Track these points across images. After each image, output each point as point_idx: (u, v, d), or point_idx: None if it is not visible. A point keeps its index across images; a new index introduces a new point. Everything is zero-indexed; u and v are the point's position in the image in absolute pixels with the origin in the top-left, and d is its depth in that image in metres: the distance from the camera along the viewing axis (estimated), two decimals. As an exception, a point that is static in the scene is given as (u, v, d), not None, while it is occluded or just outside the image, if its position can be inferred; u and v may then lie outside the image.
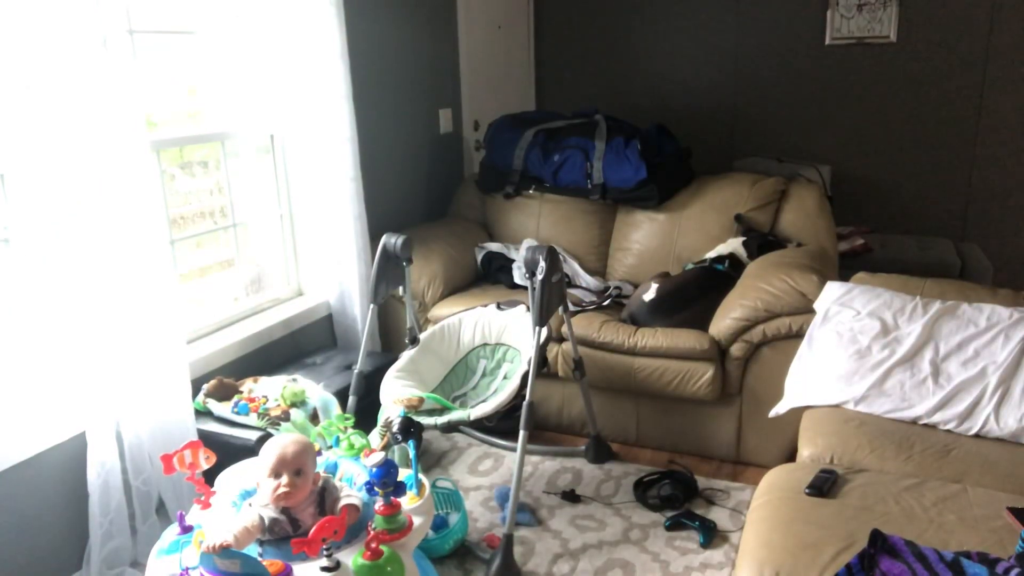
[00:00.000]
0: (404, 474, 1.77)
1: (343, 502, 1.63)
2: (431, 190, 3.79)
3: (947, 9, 3.84)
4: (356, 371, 2.58)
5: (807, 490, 1.77)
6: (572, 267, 3.34)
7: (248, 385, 2.47)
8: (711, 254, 3.01)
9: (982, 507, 1.71)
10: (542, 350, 2.48)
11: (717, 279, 2.91)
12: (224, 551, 1.46)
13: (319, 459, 1.83)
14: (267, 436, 2.19)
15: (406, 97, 3.54)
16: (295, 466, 1.64)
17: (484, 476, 2.75)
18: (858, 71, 4.08)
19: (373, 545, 1.55)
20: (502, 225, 3.60)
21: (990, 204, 4.00)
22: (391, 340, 3.24)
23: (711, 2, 4.30)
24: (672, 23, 4.41)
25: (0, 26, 1.80)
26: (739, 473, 2.74)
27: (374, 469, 1.64)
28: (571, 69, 4.72)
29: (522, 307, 2.82)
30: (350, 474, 1.83)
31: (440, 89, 3.81)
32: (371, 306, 2.65)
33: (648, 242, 3.29)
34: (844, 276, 2.62)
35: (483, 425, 2.46)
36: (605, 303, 3.05)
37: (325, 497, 1.66)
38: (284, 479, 1.62)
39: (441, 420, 2.34)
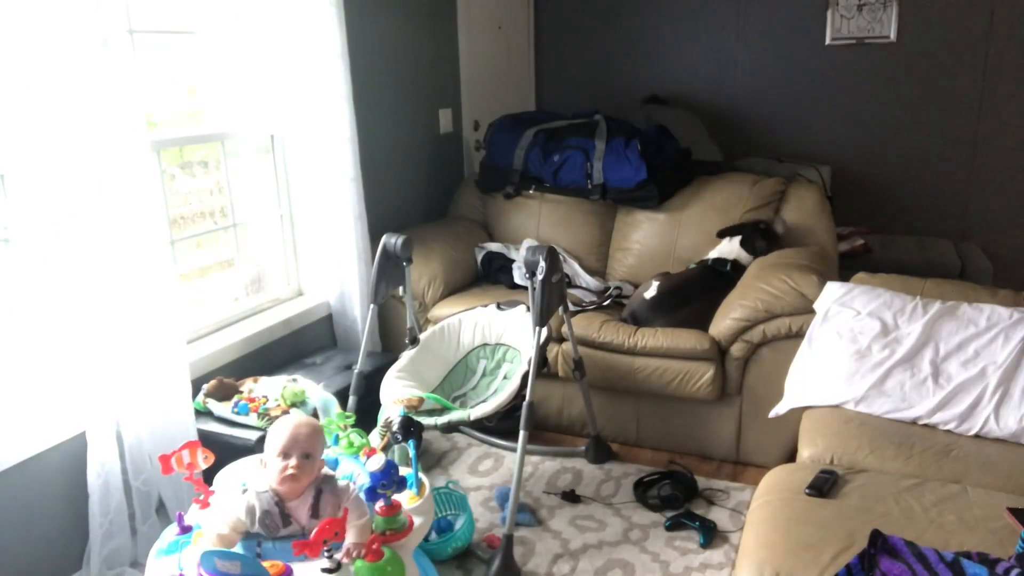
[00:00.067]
0: (404, 473, 1.77)
1: (354, 522, 1.59)
2: (431, 190, 3.79)
3: (947, 9, 3.84)
4: (356, 371, 2.58)
5: (807, 490, 1.77)
6: (572, 267, 3.34)
7: (248, 385, 2.47)
8: (712, 254, 3.01)
9: (982, 507, 1.71)
10: (542, 350, 2.48)
11: (718, 279, 2.91)
12: (223, 552, 1.46)
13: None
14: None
15: (406, 97, 3.54)
16: (306, 449, 1.61)
17: (484, 476, 2.75)
18: (858, 71, 4.08)
19: (374, 546, 1.54)
20: (502, 225, 3.60)
21: (990, 204, 4.00)
22: (391, 340, 3.23)
23: (711, 2, 4.29)
24: (672, 23, 4.41)
25: (0, 26, 1.80)
26: (739, 473, 2.74)
27: (377, 473, 1.63)
28: (571, 69, 4.72)
29: (522, 307, 2.82)
30: (350, 472, 1.83)
31: (440, 89, 3.81)
32: (371, 306, 2.65)
33: (648, 242, 3.29)
34: (844, 276, 2.62)
35: (483, 425, 2.46)
36: (605, 303, 3.05)
37: (322, 499, 1.62)
38: (293, 461, 1.59)
39: (441, 420, 2.34)
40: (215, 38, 2.66)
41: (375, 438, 2.16)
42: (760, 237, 2.99)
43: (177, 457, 1.74)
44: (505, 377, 2.76)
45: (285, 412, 2.29)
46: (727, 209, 3.17)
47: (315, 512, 1.61)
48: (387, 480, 1.63)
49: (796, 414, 2.27)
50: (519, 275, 3.24)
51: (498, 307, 2.86)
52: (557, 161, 3.39)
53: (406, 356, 2.71)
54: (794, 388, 2.29)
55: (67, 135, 1.94)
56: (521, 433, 2.25)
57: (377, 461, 1.64)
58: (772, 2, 4.16)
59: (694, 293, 2.86)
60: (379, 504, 1.65)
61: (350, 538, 1.56)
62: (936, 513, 1.69)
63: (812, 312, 2.45)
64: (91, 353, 2.07)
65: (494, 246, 3.46)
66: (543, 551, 2.32)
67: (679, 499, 2.50)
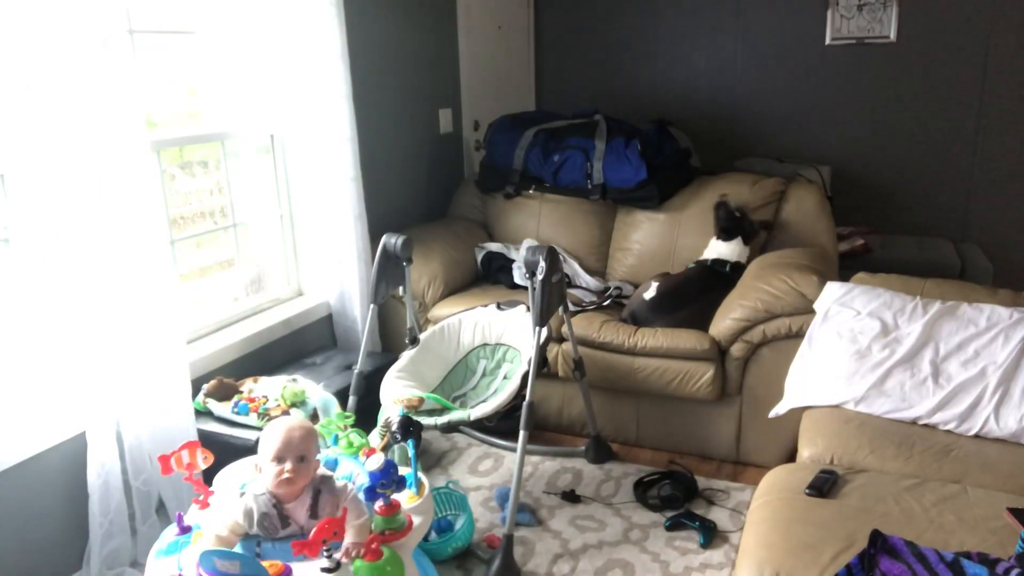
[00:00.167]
0: (403, 472, 1.77)
1: (353, 522, 1.59)
2: (431, 190, 3.79)
3: (947, 9, 3.84)
4: (356, 371, 2.58)
5: (807, 490, 1.77)
6: (572, 267, 3.34)
7: (248, 385, 2.47)
8: (711, 255, 3.01)
9: (982, 507, 1.71)
10: (542, 350, 2.48)
11: (717, 279, 2.91)
12: (222, 552, 1.46)
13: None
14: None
15: (406, 97, 3.54)
16: (300, 452, 1.60)
17: (484, 476, 2.75)
18: (858, 71, 4.08)
19: (373, 546, 1.54)
20: (502, 225, 3.60)
21: (990, 204, 4.00)
22: (391, 340, 3.23)
23: (711, 2, 4.29)
24: (672, 23, 4.41)
25: (0, 26, 1.80)
26: (739, 473, 2.74)
27: (376, 473, 1.62)
28: (571, 69, 4.72)
29: (522, 307, 2.82)
30: (349, 472, 1.83)
31: (440, 89, 3.81)
32: (371, 306, 2.65)
33: (648, 242, 3.29)
34: (844, 276, 2.62)
35: (483, 425, 2.46)
36: (605, 303, 3.05)
37: (320, 499, 1.62)
38: (288, 465, 1.58)
39: (441, 420, 2.34)
40: (215, 38, 2.66)
41: (375, 438, 2.16)
42: (745, 225, 2.99)
43: (176, 457, 1.74)
44: (505, 377, 2.76)
45: (285, 412, 2.29)
46: (727, 209, 3.17)
47: (313, 512, 1.61)
48: (386, 480, 1.63)
49: (796, 414, 2.27)
50: (519, 275, 3.24)
51: (498, 307, 2.86)
52: (557, 161, 3.39)
53: (406, 356, 2.71)
54: (794, 388, 2.29)
55: (67, 135, 1.94)
56: (521, 433, 2.25)
57: (376, 461, 1.64)
58: (772, 2, 4.16)
59: (693, 293, 2.86)
60: (378, 504, 1.65)
61: (349, 538, 1.56)
62: (936, 513, 1.69)
63: (812, 312, 2.45)
64: (91, 353, 2.07)
65: (494, 246, 3.46)
66: (543, 551, 2.32)
67: (679, 499, 2.50)
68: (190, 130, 2.67)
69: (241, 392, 2.43)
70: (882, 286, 2.45)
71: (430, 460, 2.86)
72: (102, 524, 2.10)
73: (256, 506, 1.59)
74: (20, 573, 2.01)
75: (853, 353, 2.23)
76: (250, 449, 2.14)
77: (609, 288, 3.19)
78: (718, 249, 3.00)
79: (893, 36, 3.95)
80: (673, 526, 2.40)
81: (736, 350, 2.65)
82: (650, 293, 2.84)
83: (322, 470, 1.69)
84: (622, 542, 2.35)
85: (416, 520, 1.72)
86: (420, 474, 1.82)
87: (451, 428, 2.39)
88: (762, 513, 1.74)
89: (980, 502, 1.73)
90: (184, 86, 2.65)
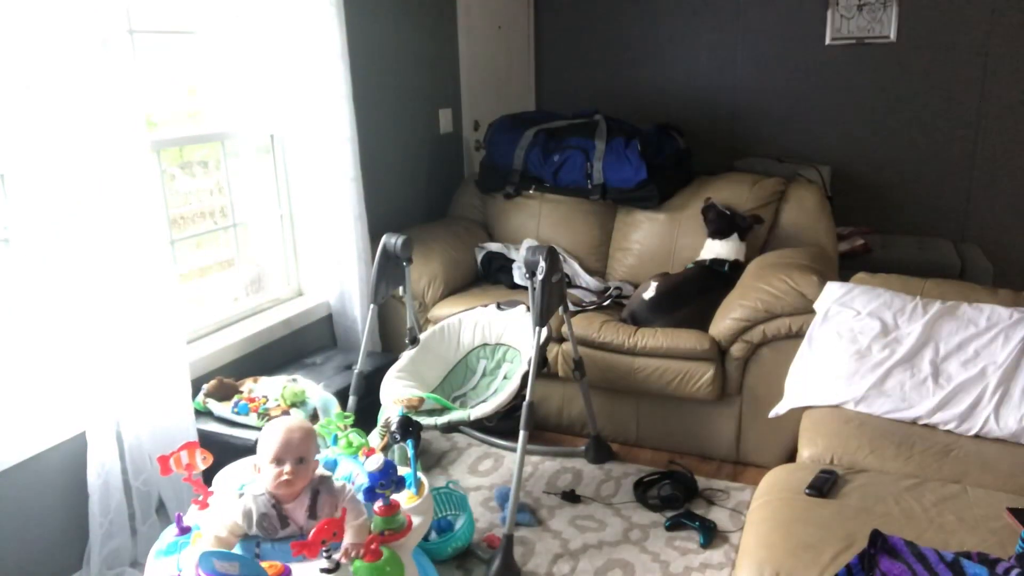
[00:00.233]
0: (403, 472, 1.77)
1: (352, 522, 1.59)
2: (431, 190, 3.79)
3: (947, 9, 3.84)
4: (356, 371, 2.58)
5: (807, 490, 1.77)
6: (572, 267, 3.34)
7: (248, 385, 2.47)
8: (709, 255, 3.01)
9: (982, 507, 1.71)
10: (542, 350, 2.48)
11: (717, 279, 2.91)
12: (221, 553, 1.46)
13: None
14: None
15: (406, 97, 3.54)
16: (299, 453, 1.60)
17: (484, 476, 2.75)
18: (858, 71, 4.08)
19: (372, 546, 1.54)
20: (502, 225, 3.60)
21: (990, 205, 4.00)
22: (391, 340, 3.23)
23: (711, 2, 4.29)
24: (673, 23, 4.41)
25: (0, 26, 1.80)
26: (739, 473, 2.74)
27: (375, 473, 1.62)
28: (571, 69, 4.72)
29: (522, 307, 2.82)
30: (349, 472, 1.83)
31: (440, 89, 3.81)
32: (371, 306, 2.65)
33: (648, 242, 3.29)
34: (844, 276, 2.62)
35: (483, 425, 2.46)
36: (605, 303, 3.05)
37: (319, 499, 1.62)
38: (287, 467, 1.58)
39: (441, 420, 2.34)
40: (215, 38, 2.66)
41: (374, 438, 2.16)
42: (737, 220, 2.99)
43: (176, 458, 1.74)
44: (505, 377, 2.76)
45: (285, 412, 2.29)
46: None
47: (312, 513, 1.61)
48: (386, 480, 1.63)
49: (796, 414, 2.27)
50: (519, 275, 3.24)
51: (498, 307, 2.86)
52: (557, 161, 3.39)
53: (406, 356, 2.71)
54: (794, 388, 2.28)
55: (67, 135, 1.94)
56: (521, 433, 2.25)
57: (375, 461, 1.64)
58: (772, 2, 4.16)
59: (693, 293, 2.86)
60: (378, 504, 1.65)
61: (348, 538, 1.56)
62: (936, 513, 1.69)
63: (812, 312, 2.45)
64: (91, 353, 2.07)
65: (494, 246, 3.46)
66: (543, 551, 2.32)
67: (679, 499, 2.50)
68: (190, 130, 2.67)
69: (241, 392, 2.43)
70: (882, 286, 2.45)
71: (430, 460, 2.86)
72: (102, 524, 2.10)
73: (255, 507, 1.59)
74: (20, 573, 2.01)
75: (853, 353, 2.23)
76: (250, 449, 2.13)
77: (609, 288, 3.19)
78: (715, 248, 3.00)
79: (893, 36, 3.95)
80: (673, 526, 2.40)
81: (736, 350, 2.65)
82: (650, 293, 2.84)
83: (321, 470, 1.69)
84: (622, 542, 2.35)
85: (416, 520, 1.71)
86: (420, 474, 1.82)
87: (451, 428, 2.39)
88: (762, 513, 1.74)
89: (980, 502, 1.73)
90: (184, 86, 2.65)
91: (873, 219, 4.16)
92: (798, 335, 2.49)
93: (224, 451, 2.04)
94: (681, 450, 2.87)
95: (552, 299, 2.35)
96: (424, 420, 2.31)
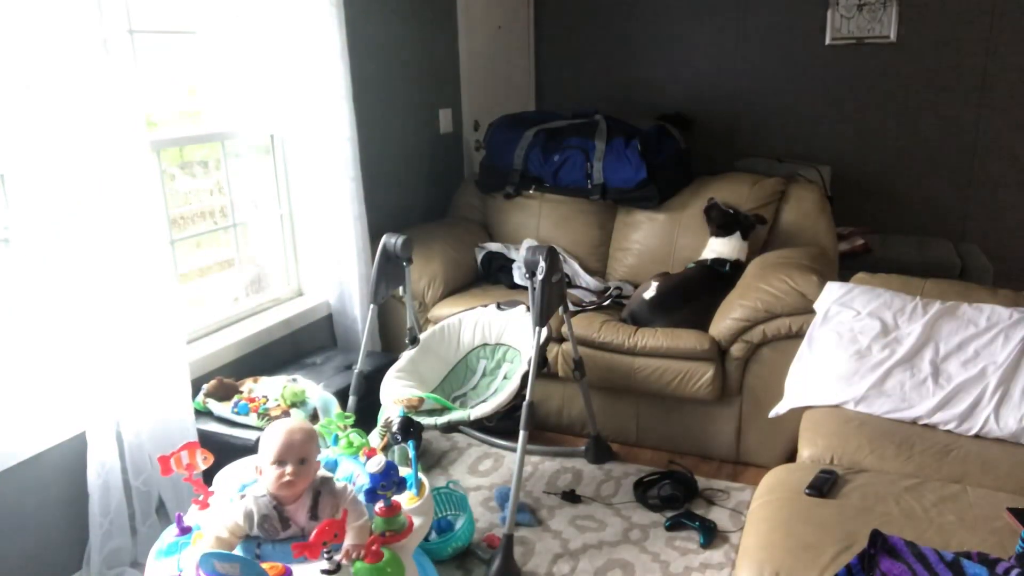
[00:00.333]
0: (404, 473, 1.77)
1: (353, 523, 1.59)
2: (431, 190, 3.79)
3: (947, 9, 3.84)
4: (356, 371, 2.58)
5: (807, 490, 1.77)
6: (572, 267, 3.34)
7: (248, 385, 2.47)
8: (710, 255, 3.01)
9: (982, 507, 1.71)
10: (542, 350, 2.48)
11: (717, 279, 2.91)
12: (222, 554, 1.46)
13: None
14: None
15: (406, 97, 3.54)
16: (301, 455, 1.60)
17: (484, 476, 2.75)
18: (858, 71, 4.08)
19: (373, 547, 1.54)
20: (502, 225, 3.60)
21: (990, 205, 4.00)
22: (391, 340, 3.23)
23: (711, 2, 4.29)
24: (672, 23, 4.41)
25: (0, 26, 1.80)
26: (739, 473, 2.74)
27: (376, 475, 1.62)
28: (571, 69, 4.72)
29: (522, 307, 2.82)
30: (349, 473, 1.83)
31: (440, 89, 3.81)
32: (371, 306, 2.65)
33: (648, 242, 3.29)
34: (844, 276, 2.62)
35: (483, 425, 2.46)
36: (605, 303, 3.05)
37: (320, 500, 1.62)
38: (289, 468, 1.58)
39: (441, 420, 2.34)
40: (215, 38, 2.66)
41: (375, 438, 2.16)
42: (741, 219, 3.00)
43: (176, 458, 1.74)
44: (505, 377, 2.76)
45: (285, 412, 2.29)
46: (727, 209, 3.17)
47: (314, 514, 1.61)
48: (387, 481, 1.63)
49: (796, 414, 2.27)
50: (519, 275, 3.24)
51: (498, 307, 2.86)
52: (557, 161, 3.39)
53: (406, 356, 2.71)
54: (794, 388, 2.28)
55: (67, 135, 1.94)
56: (521, 433, 2.25)
57: (376, 462, 1.64)
58: (772, 2, 4.16)
59: (693, 293, 2.86)
60: (378, 505, 1.65)
61: (349, 539, 1.56)
62: (936, 513, 1.69)
63: (812, 312, 2.45)
64: (91, 353, 2.07)
65: (494, 246, 3.46)
66: (543, 551, 2.32)
67: (679, 499, 2.50)
68: (190, 130, 2.67)
69: (241, 392, 2.43)
70: (882, 286, 2.45)
71: (430, 460, 2.86)
72: (102, 524, 2.10)
73: (256, 508, 1.59)
74: (20, 573, 2.01)
75: (853, 353, 2.23)
76: (250, 449, 2.14)
77: (609, 288, 3.19)
78: (717, 248, 3.00)
79: (893, 36, 3.95)
80: (673, 526, 2.40)
81: (736, 350, 2.65)
82: (650, 293, 2.84)
83: (322, 472, 1.69)
84: (622, 542, 2.35)
85: (416, 521, 1.71)
86: (420, 475, 1.82)
87: (451, 428, 2.39)
88: (762, 513, 1.74)
89: (980, 502, 1.73)
90: (184, 86, 2.65)
91: (873, 219, 4.16)
92: (798, 335, 2.49)
93: (224, 451, 2.04)
94: (681, 450, 2.87)
95: (552, 299, 2.35)
96: (424, 420, 2.31)
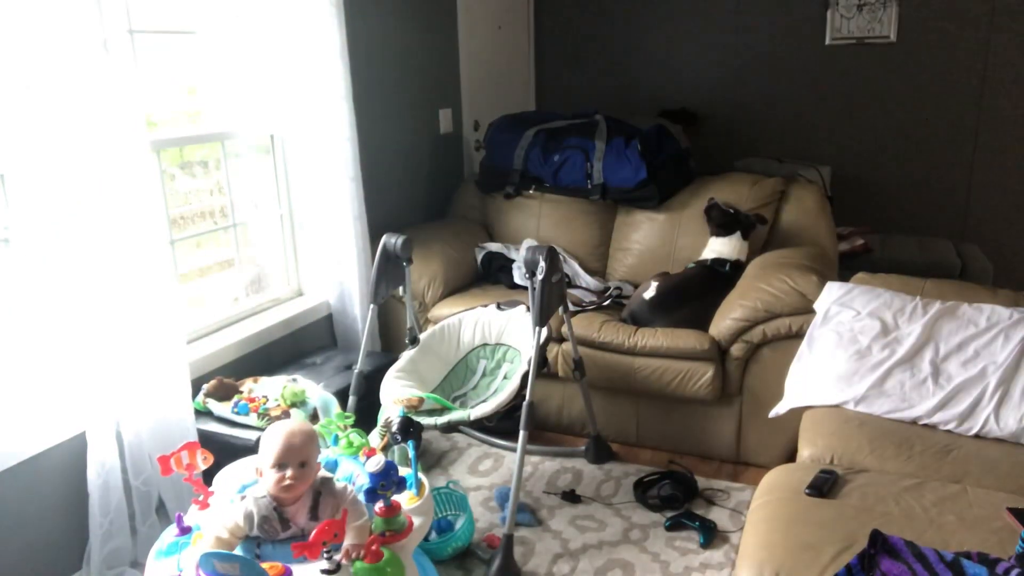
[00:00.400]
0: (404, 473, 1.77)
1: (353, 523, 1.59)
2: (431, 190, 3.79)
3: (947, 9, 3.84)
4: (356, 371, 2.58)
5: (807, 490, 1.77)
6: (572, 267, 3.34)
7: (248, 385, 2.47)
8: (710, 254, 3.01)
9: (982, 507, 1.71)
10: (542, 350, 2.48)
11: (717, 279, 2.91)
12: (222, 554, 1.46)
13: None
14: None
15: (406, 97, 3.54)
16: (301, 457, 1.59)
17: (484, 476, 2.75)
18: (858, 71, 4.08)
19: (373, 547, 1.54)
20: (502, 225, 3.60)
21: (990, 204, 4.00)
22: (391, 340, 3.24)
23: (711, 2, 4.29)
24: (672, 23, 4.41)
25: (0, 26, 1.80)
26: (739, 473, 2.74)
27: (376, 475, 1.62)
28: (571, 69, 4.72)
29: (522, 307, 2.82)
30: (349, 472, 1.83)
31: (440, 89, 3.81)
32: (371, 306, 2.65)
33: (648, 242, 3.29)
34: (844, 276, 2.62)
35: (483, 425, 2.46)
36: (605, 303, 3.05)
37: (320, 501, 1.62)
38: (289, 472, 1.57)
39: (441, 420, 2.34)
40: (215, 38, 2.66)
41: (375, 438, 2.16)
42: (741, 218, 3.00)
43: (176, 458, 1.74)
44: (505, 377, 2.76)
45: (285, 412, 2.29)
46: (727, 209, 3.17)
47: (314, 514, 1.61)
48: (387, 481, 1.63)
49: (796, 414, 2.27)
50: (519, 275, 3.24)
51: (498, 307, 2.86)
52: (557, 161, 3.39)
53: (406, 356, 2.71)
54: (794, 388, 2.28)
55: (67, 135, 1.94)
56: (521, 433, 2.25)
57: (376, 462, 1.64)
58: (772, 2, 4.16)
59: (693, 293, 2.86)
60: (378, 505, 1.65)
61: (349, 539, 1.55)
62: (936, 513, 1.69)
63: (812, 312, 2.45)
64: (91, 353, 2.07)
65: (494, 246, 3.46)
66: (543, 551, 2.32)
67: (679, 499, 2.50)
68: (190, 130, 2.67)
69: (241, 392, 2.43)
70: (882, 286, 2.45)
71: (430, 460, 2.86)
72: (102, 524, 2.10)
73: (256, 509, 1.59)
74: (20, 573, 2.01)
75: (853, 353, 2.23)
76: (250, 449, 2.14)
77: (609, 288, 3.19)
78: (717, 247, 2.99)
79: (893, 36, 3.96)
80: (673, 526, 2.40)
81: (736, 350, 2.65)
82: (650, 293, 2.84)
83: (322, 472, 1.69)
84: (622, 542, 2.35)
85: (416, 521, 1.71)
86: (420, 475, 1.82)
87: (451, 428, 2.39)
88: (762, 513, 1.74)
89: (980, 502, 1.73)
90: (184, 86, 2.65)
91: (873, 219, 4.16)
92: (798, 335, 2.49)
93: (224, 451, 2.04)
94: (681, 450, 2.87)
95: (552, 299, 2.35)
96: (424, 420, 2.31)
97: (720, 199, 3.08)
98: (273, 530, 1.60)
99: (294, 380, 2.48)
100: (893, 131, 4.10)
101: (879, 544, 1.52)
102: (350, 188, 2.94)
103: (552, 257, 2.32)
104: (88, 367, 2.07)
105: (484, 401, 2.63)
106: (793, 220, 3.13)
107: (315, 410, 2.38)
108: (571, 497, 2.58)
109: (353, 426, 2.03)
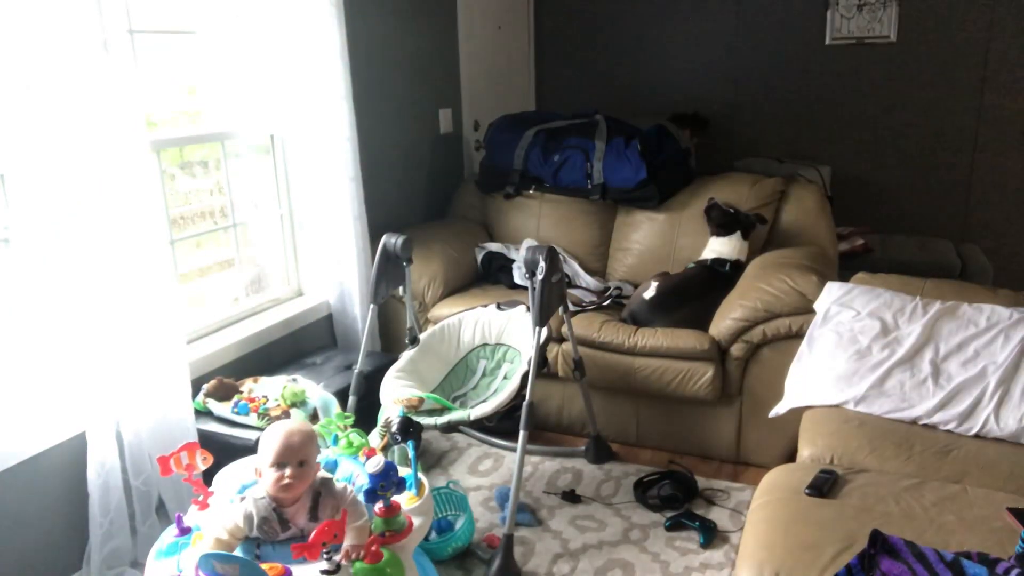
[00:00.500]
0: (404, 473, 1.77)
1: (353, 524, 1.59)
2: (431, 190, 3.79)
3: (947, 9, 3.84)
4: (356, 371, 2.58)
5: (807, 490, 1.77)
6: (572, 267, 3.34)
7: (248, 385, 2.47)
8: (710, 254, 3.01)
9: (982, 507, 1.71)
10: (542, 350, 2.48)
11: (717, 279, 2.91)
12: (221, 555, 1.45)
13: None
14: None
15: (406, 97, 3.54)
16: (301, 457, 1.59)
17: (484, 476, 2.75)
18: (858, 71, 4.08)
19: (373, 548, 1.54)
20: (502, 225, 3.60)
21: (990, 204, 4.00)
22: (391, 340, 3.24)
23: (711, 2, 4.29)
24: (672, 23, 4.41)
25: (1, 26, 1.80)
26: (739, 473, 2.74)
27: (376, 475, 1.62)
28: (571, 69, 4.72)
29: (522, 307, 2.82)
30: (349, 473, 1.83)
31: (440, 89, 3.81)
32: (371, 306, 2.65)
33: (648, 242, 3.29)
34: (844, 276, 2.62)
35: (483, 425, 2.46)
36: (605, 303, 3.05)
37: (320, 501, 1.61)
38: (288, 471, 1.57)
39: (441, 420, 2.34)
40: (215, 38, 2.66)
41: (375, 438, 2.16)
42: (741, 218, 3.00)
43: (176, 458, 1.74)
44: (505, 377, 2.76)
45: (285, 412, 2.29)
46: (727, 209, 3.17)
47: (313, 515, 1.61)
48: (386, 482, 1.63)
49: (796, 414, 2.27)
50: (519, 275, 3.24)
51: (498, 307, 2.86)
52: (557, 161, 3.39)
53: (406, 356, 2.71)
54: (794, 388, 2.28)
55: (67, 135, 1.94)
56: (521, 433, 2.25)
57: (376, 463, 1.64)
58: (772, 2, 4.16)
59: (693, 293, 2.86)
60: (378, 505, 1.65)
61: (349, 540, 1.55)
62: (936, 513, 1.69)
63: (812, 312, 2.45)
64: (91, 353, 2.07)
65: (494, 246, 3.46)
66: (543, 551, 2.32)
67: (679, 499, 2.50)
68: (190, 130, 2.67)
69: (241, 392, 2.43)
70: (882, 286, 2.45)
71: (430, 460, 2.86)
72: (102, 524, 2.10)
73: (256, 510, 1.59)
74: (20, 573, 2.01)
75: (853, 353, 2.23)
76: (250, 449, 2.14)
77: (609, 288, 3.19)
78: (717, 247, 2.99)
79: (893, 36, 3.96)
80: (673, 526, 2.40)
81: (736, 350, 2.65)
82: (650, 293, 2.84)
83: (322, 472, 1.69)
84: (622, 542, 2.35)
85: (416, 521, 1.71)
86: (420, 475, 1.82)
87: (451, 428, 2.39)
88: (762, 513, 1.74)
89: (980, 502, 1.73)
90: (184, 86, 2.65)
91: (873, 219, 4.16)
92: (798, 335, 2.49)
93: (224, 451, 2.04)
94: (681, 450, 2.87)
95: (552, 299, 2.35)
96: (424, 420, 2.31)
97: (720, 199, 3.08)
98: (273, 531, 1.60)
99: (294, 380, 2.48)
100: (893, 131, 4.10)
101: (879, 544, 1.52)
102: (350, 188, 2.94)
103: (552, 257, 2.32)
104: (88, 367, 2.07)
105: (484, 401, 2.63)
106: (793, 220, 3.13)
107: (315, 410, 2.38)
108: (571, 497, 2.58)
109: (353, 426, 2.03)
